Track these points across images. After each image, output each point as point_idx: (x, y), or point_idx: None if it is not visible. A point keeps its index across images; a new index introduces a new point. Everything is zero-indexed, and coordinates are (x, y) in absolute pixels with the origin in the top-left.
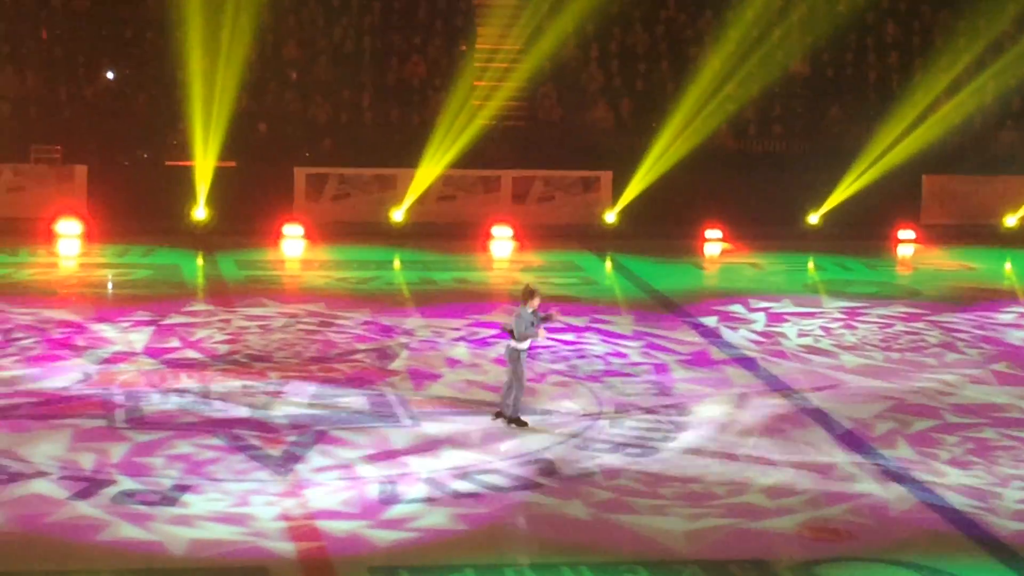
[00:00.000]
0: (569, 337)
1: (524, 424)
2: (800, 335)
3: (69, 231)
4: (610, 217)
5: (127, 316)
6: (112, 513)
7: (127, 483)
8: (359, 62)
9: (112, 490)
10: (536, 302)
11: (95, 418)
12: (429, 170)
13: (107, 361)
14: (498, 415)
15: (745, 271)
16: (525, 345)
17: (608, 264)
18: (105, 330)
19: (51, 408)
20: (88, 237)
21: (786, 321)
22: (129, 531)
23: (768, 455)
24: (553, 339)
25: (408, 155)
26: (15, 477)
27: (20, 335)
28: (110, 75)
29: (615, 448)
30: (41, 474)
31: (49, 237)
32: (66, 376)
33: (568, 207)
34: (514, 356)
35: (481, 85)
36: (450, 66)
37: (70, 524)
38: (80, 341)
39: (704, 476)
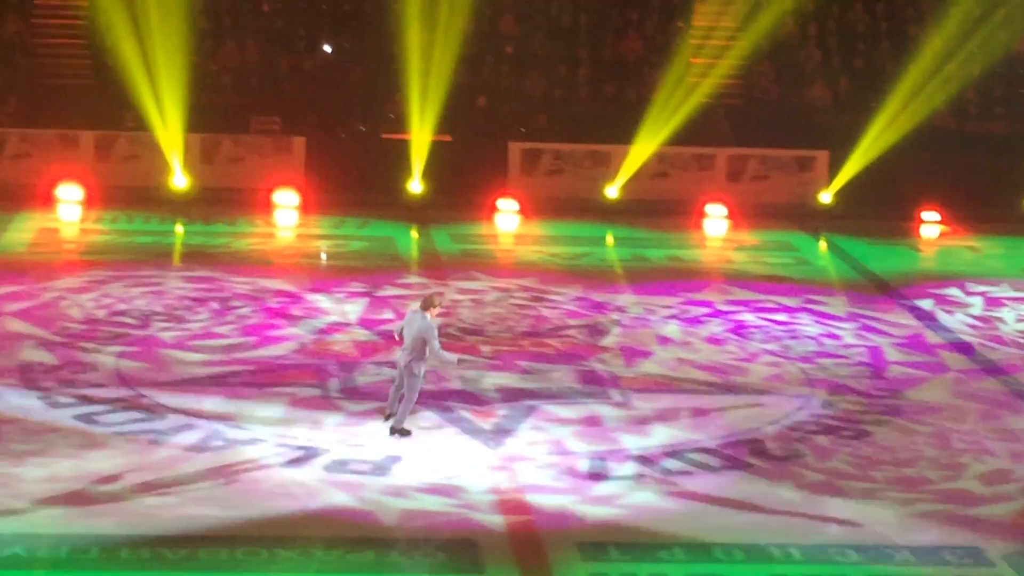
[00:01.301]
0: (782, 317)
1: (408, 433)
2: (1019, 320)
3: (286, 202)
4: (825, 197)
5: (342, 287)
6: (325, 481)
7: (340, 452)
8: (575, 37)
9: (325, 459)
10: (436, 312)
11: (310, 387)
12: (643, 147)
13: (322, 331)
14: (388, 417)
15: (962, 254)
16: (433, 363)
17: (822, 244)
18: (320, 300)
19: (267, 376)
20: (305, 208)
21: (1004, 306)
22: (341, 499)
23: (983, 441)
24: (766, 319)
25: (622, 131)
26: (231, 444)
27: (238, 304)
28: (327, 48)
29: (827, 430)
30: (257, 441)
31: (267, 208)
32: (282, 345)
33: (783, 186)
34: (414, 371)
35: (697, 63)
36: (666, 43)
37: (284, 491)
38: (296, 311)
39: (917, 461)
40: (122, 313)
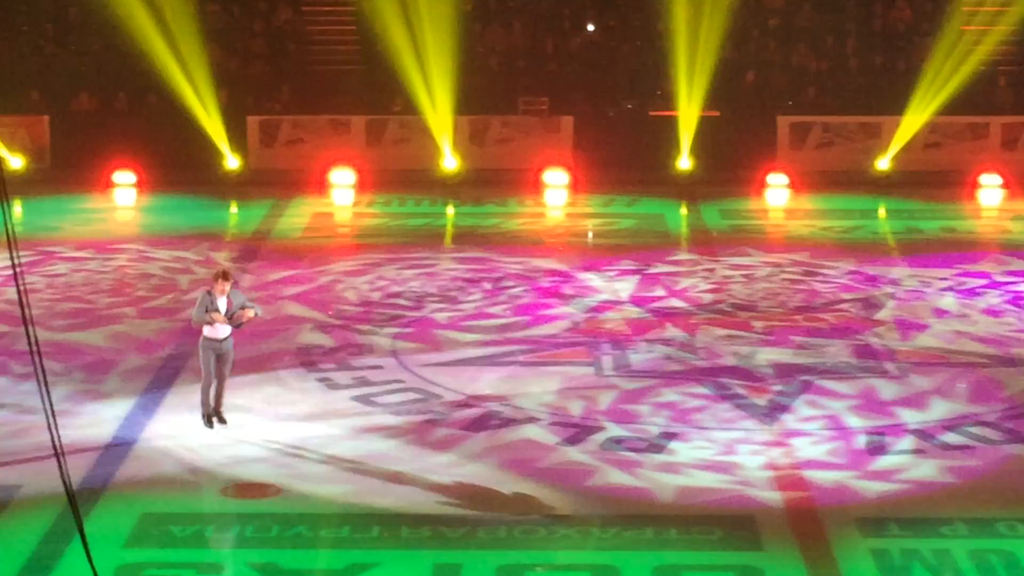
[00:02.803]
0: None
1: (211, 425)
2: None
3: (556, 181)
4: None
5: (613, 265)
6: (601, 459)
7: (615, 430)
8: (843, 8)
9: (600, 436)
10: (221, 287)
11: (583, 365)
12: (915, 117)
13: (594, 309)
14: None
15: None
16: (209, 333)
17: None
18: (591, 279)
19: (540, 355)
20: (574, 187)
21: None
22: (618, 477)
23: None
24: None
25: (893, 102)
26: (507, 422)
27: (510, 283)
28: (590, 27)
29: None
30: (532, 420)
31: (536, 187)
32: (554, 324)
33: None
34: (200, 346)
35: (970, 30)
36: (936, 11)
37: (560, 469)
38: (567, 289)
39: None
40: (397, 295)
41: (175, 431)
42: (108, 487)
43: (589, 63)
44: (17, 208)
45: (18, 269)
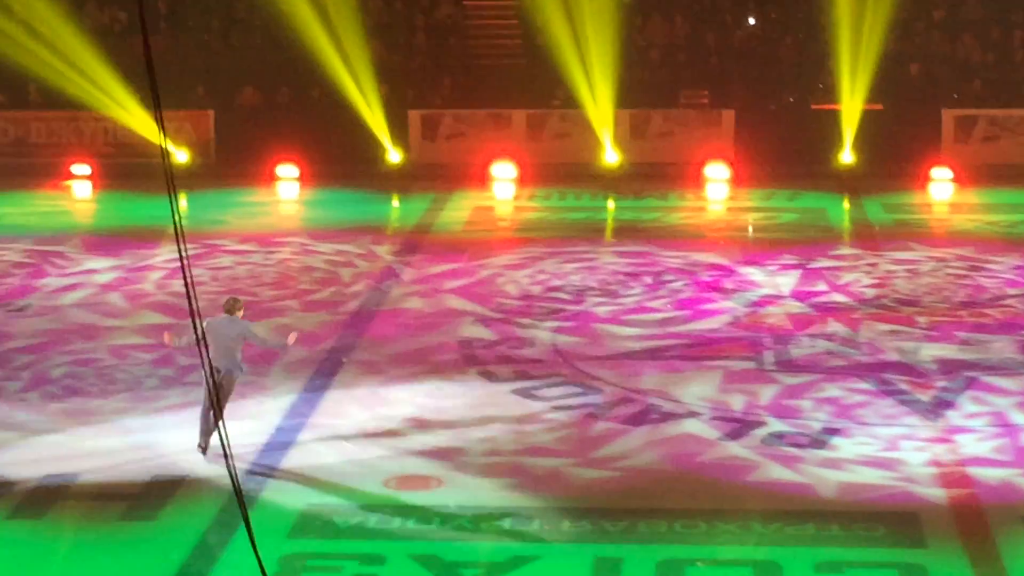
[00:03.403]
0: None
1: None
2: None
3: (717, 175)
4: None
5: (774, 259)
6: (762, 454)
7: (777, 425)
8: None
9: (762, 431)
10: (241, 313)
11: (744, 360)
12: None
13: (755, 304)
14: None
15: None
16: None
17: None
18: (753, 273)
19: (701, 350)
20: (735, 181)
21: None
22: (779, 473)
23: None
24: None
25: None
26: (667, 417)
27: (670, 278)
28: (752, 21)
29: None
30: (693, 414)
31: (697, 181)
32: (715, 318)
33: None
34: (235, 378)
35: None
36: None
37: (721, 464)
38: (728, 284)
39: None
40: (557, 289)
41: (337, 423)
42: (272, 478)
43: (751, 56)
44: (183, 201)
45: (185, 262)
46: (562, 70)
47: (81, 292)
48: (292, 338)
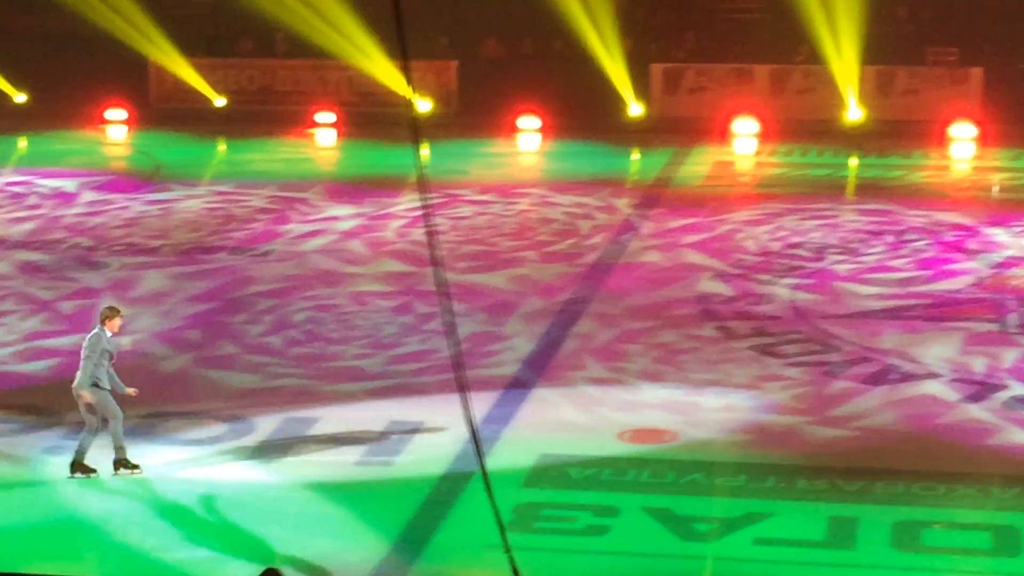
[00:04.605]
0: None
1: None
2: None
3: (962, 134)
4: None
5: (1020, 221)
6: (1003, 418)
7: (1019, 388)
8: None
9: (1004, 395)
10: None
11: (987, 322)
12: None
13: (1000, 265)
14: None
15: None
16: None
17: None
18: (997, 234)
19: (942, 311)
20: (981, 140)
21: None
22: (1020, 437)
23: None
24: None
25: None
26: (907, 377)
27: (913, 237)
28: None
29: None
30: (933, 376)
31: (942, 140)
32: (958, 279)
33: None
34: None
35: None
36: None
37: (959, 426)
38: (972, 244)
39: None
40: (797, 246)
41: (573, 374)
42: (508, 427)
43: (1001, 13)
44: (424, 151)
45: (427, 211)
46: (806, 25)
47: (323, 239)
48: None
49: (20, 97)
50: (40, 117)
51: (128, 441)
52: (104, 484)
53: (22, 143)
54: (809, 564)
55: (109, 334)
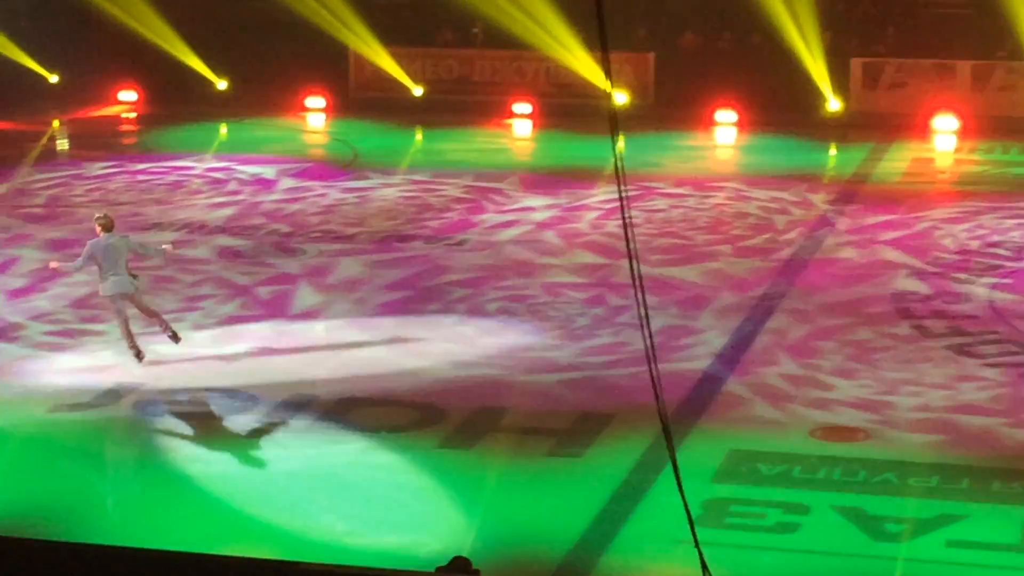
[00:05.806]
0: None
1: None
2: None
3: None
4: None
5: None
6: None
7: None
8: None
9: None
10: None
11: None
12: None
13: None
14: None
15: None
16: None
17: None
18: None
19: None
20: None
21: None
22: None
23: None
24: None
25: None
26: None
27: None
28: None
29: None
30: None
31: None
32: None
33: None
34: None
35: None
36: None
37: None
38: None
39: None
40: (996, 244)
41: (766, 370)
42: (699, 421)
43: None
44: (620, 143)
45: (622, 203)
46: (1010, 21)
47: (518, 229)
48: (169, 247)
49: (221, 84)
50: (241, 104)
51: (318, 427)
52: (296, 473)
53: (223, 130)
54: (1003, 568)
55: (106, 238)
